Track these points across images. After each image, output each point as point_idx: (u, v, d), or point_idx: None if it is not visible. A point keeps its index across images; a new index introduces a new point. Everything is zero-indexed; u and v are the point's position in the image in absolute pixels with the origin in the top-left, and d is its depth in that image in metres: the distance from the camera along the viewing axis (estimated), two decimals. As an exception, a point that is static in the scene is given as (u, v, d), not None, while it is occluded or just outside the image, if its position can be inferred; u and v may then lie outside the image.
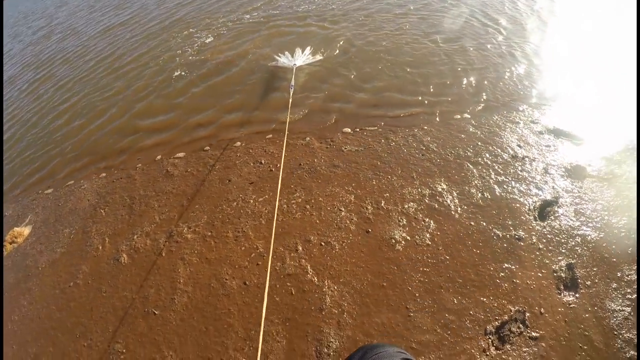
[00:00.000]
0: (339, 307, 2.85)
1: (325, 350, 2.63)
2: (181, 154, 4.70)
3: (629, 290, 2.63)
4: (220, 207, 3.83)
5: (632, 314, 2.53)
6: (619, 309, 2.57)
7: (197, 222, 3.74)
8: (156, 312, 3.12)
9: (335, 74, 5.60)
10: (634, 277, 2.70)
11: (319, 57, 6.08)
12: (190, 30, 8.28)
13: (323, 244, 3.27)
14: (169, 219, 3.87)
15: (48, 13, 16.14)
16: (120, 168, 4.81)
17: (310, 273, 3.09)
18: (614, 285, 2.69)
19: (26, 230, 4.38)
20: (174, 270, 3.36)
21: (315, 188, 3.79)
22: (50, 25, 13.63)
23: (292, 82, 5.05)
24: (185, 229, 3.70)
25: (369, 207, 3.47)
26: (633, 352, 2.36)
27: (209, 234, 3.59)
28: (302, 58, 5.98)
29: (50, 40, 11.50)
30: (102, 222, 4.10)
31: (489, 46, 5.61)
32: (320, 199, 3.66)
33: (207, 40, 7.56)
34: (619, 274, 2.73)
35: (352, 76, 5.44)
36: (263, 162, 4.22)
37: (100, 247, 3.81)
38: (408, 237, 3.18)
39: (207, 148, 4.71)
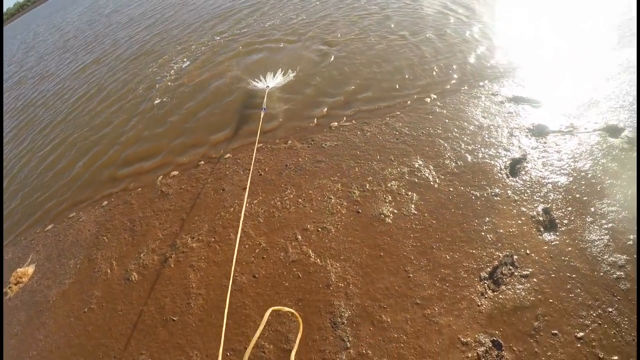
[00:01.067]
0: (344, 280, 3.07)
1: (339, 319, 2.84)
2: (174, 173, 4.89)
3: (604, 221, 2.90)
4: (219, 214, 4.03)
5: (611, 240, 2.78)
6: (598, 238, 2.83)
7: (199, 231, 3.92)
8: (175, 319, 3.26)
9: (307, 84, 5.88)
10: (607, 209, 2.96)
11: (291, 75, 6.29)
12: (165, 57, 8.46)
13: (320, 229, 3.50)
14: (172, 233, 4.03)
15: (17, 59, 16.13)
16: (115, 197, 4.95)
17: (313, 256, 3.31)
18: (589, 219, 2.95)
19: (30, 269, 4.45)
20: (185, 277, 3.53)
21: (304, 183, 4.03)
22: (22, 70, 13.62)
23: (264, 105, 5.25)
24: (189, 239, 3.87)
25: (356, 191, 3.73)
26: (619, 273, 2.60)
27: (213, 239, 3.78)
28: (274, 81, 6.22)
29: (24, 85, 11.53)
30: (106, 248, 4.22)
31: (447, 30, 6.03)
32: (310, 191, 3.90)
33: (184, 65, 7.78)
34: (592, 209, 3.01)
35: (326, 81, 5.74)
36: (252, 168, 4.42)
37: (109, 271, 3.94)
38: (395, 211, 3.44)
39: (201, 163, 4.92)
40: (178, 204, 4.37)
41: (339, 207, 3.64)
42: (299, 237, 3.50)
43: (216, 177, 4.56)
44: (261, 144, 4.83)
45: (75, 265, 4.22)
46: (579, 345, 2.38)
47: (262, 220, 3.76)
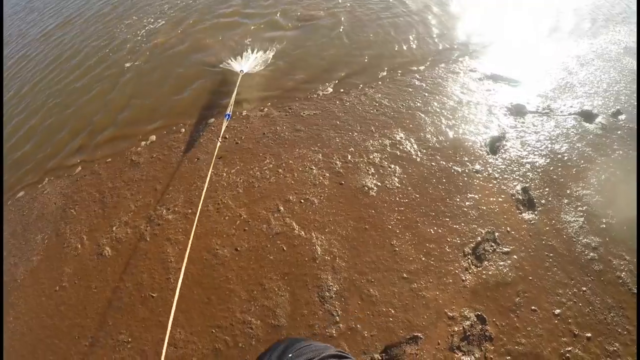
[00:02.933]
0: (330, 254, 3.03)
1: (327, 294, 2.82)
2: (143, 143, 4.61)
3: (579, 204, 3.03)
4: (195, 184, 3.84)
5: (585, 222, 2.93)
6: (574, 220, 2.97)
7: (174, 202, 3.73)
8: (154, 295, 3.13)
9: (289, 54, 5.55)
10: (582, 192, 3.10)
11: (270, 54, 5.44)
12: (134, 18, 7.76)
13: (302, 201, 3.42)
14: (145, 204, 3.82)
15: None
16: (82, 166, 4.58)
17: (297, 229, 3.24)
18: (566, 200, 3.08)
19: None
20: (163, 251, 3.36)
21: (283, 152, 3.90)
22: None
23: (229, 111, 4.24)
24: (164, 211, 3.68)
25: (338, 162, 3.65)
26: (593, 254, 2.77)
27: (190, 211, 3.61)
28: (250, 62, 5.27)
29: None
30: (75, 222, 3.94)
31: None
32: (291, 161, 3.78)
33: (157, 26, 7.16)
34: (568, 191, 3.13)
35: (309, 50, 5.44)
36: (228, 136, 4.24)
37: (79, 246, 3.68)
38: (379, 183, 3.41)
39: (173, 129, 4.66)
40: (150, 174, 4.12)
41: (321, 178, 3.57)
42: (281, 208, 3.41)
43: (189, 145, 4.32)
44: (235, 112, 4.64)
45: (42, 241, 3.91)
46: (556, 321, 2.55)
47: (241, 191, 3.62)
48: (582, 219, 2.97)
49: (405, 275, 2.83)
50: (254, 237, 3.26)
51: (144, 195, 3.92)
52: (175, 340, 2.87)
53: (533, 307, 2.59)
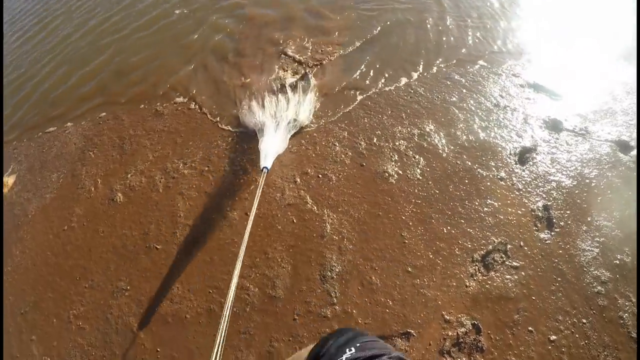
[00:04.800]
0: (339, 234, 3.00)
1: (329, 274, 2.79)
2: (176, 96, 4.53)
3: (597, 234, 2.88)
4: (216, 142, 3.81)
5: (599, 254, 2.78)
6: (589, 249, 2.81)
7: (192, 158, 3.71)
8: (158, 247, 3.15)
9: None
10: (603, 223, 2.93)
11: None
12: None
13: (320, 176, 3.37)
14: (163, 156, 3.81)
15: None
16: (107, 110, 4.59)
17: (310, 203, 3.20)
18: (584, 228, 2.92)
19: (10, 180, 4.17)
20: (174, 205, 3.37)
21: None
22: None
23: (266, 164, 3.15)
24: (181, 165, 3.67)
25: (362, 143, 3.57)
26: (600, 288, 2.62)
27: (206, 168, 3.59)
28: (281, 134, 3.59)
29: None
30: (92, 164, 3.97)
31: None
32: (315, 134, 3.73)
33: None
34: (588, 219, 2.96)
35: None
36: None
37: (93, 189, 3.72)
38: (400, 172, 3.32)
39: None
40: (172, 126, 4.10)
41: (343, 156, 3.50)
42: (298, 180, 3.37)
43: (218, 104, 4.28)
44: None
45: (57, 180, 3.96)
46: (549, 347, 2.45)
47: (261, 157, 3.58)
48: (597, 249, 2.82)
49: (409, 269, 2.77)
50: (265, 204, 3.24)
51: (163, 147, 3.91)
52: (172, 294, 2.90)
53: (530, 328, 2.51)
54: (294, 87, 4.15)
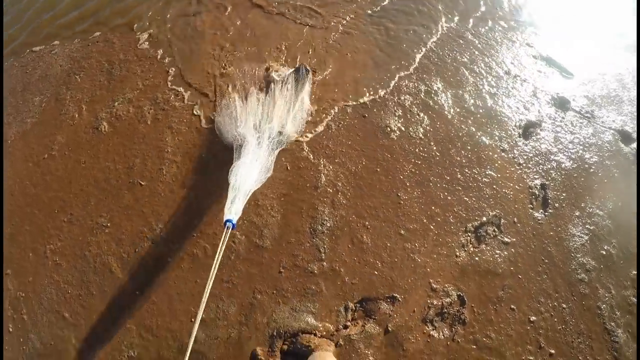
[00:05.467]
0: (333, 186, 2.87)
1: (320, 227, 2.69)
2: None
3: (588, 221, 2.83)
4: (214, 74, 3.60)
5: (588, 242, 2.75)
6: (579, 235, 2.77)
7: (186, 89, 3.51)
8: (142, 183, 2.99)
9: None
10: (595, 211, 2.88)
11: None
12: None
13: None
14: (154, 85, 3.56)
15: None
16: (98, 30, 4.29)
17: (306, 150, 3.05)
18: (577, 213, 2.86)
19: None
20: (162, 139, 3.18)
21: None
22: None
23: (230, 217, 2.30)
24: (173, 96, 3.44)
25: (367, 92, 3.40)
26: (584, 276, 2.61)
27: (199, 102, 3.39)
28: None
29: None
30: (77, 89, 3.70)
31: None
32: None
33: None
34: (582, 204, 2.90)
35: None
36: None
37: (77, 115, 3.48)
38: (402, 128, 3.17)
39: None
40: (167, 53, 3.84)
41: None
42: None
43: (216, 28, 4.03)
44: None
45: (40, 103, 3.70)
46: (528, 327, 2.46)
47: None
48: (586, 237, 2.79)
49: (402, 232, 2.69)
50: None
51: (155, 75, 3.66)
52: (155, 235, 2.78)
53: (512, 306, 2.50)
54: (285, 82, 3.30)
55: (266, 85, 3.36)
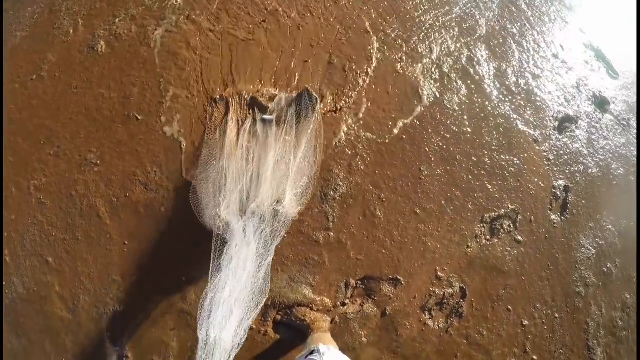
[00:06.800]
0: (353, 148, 2.56)
1: (332, 193, 2.45)
2: None
3: (600, 235, 2.73)
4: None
5: (594, 256, 2.69)
6: (587, 248, 2.68)
7: (201, 9, 2.99)
8: (139, 117, 2.62)
9: None
10: (608, 226, 2.78)
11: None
12: None
13: (347, 70, 2.84)
14: (161, 1, 3.03)
15: None
16: None
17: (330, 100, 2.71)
18: (592, 224, 2.73)
19: None
20: (165, 67, 2.73)
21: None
22: None
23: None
24: (182, 17, 2.94)
25: (403, 44, 2.98)
26: (582, 290, 2.59)
27: (213, 27, 2.92)
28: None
29: None
30: (74, 0, 3.14)
31: None
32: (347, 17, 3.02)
33: None
34: (598, 217, 2.76)
35: None
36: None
37: (72, 31, 2.96)
38: (437, 95, 2.79)
39: None
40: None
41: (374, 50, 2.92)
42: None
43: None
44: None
45: (32, 15, 3.13)
46: (519, 331, 2.46)
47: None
48: (594, 250, 2.70)
49: (418, 211, 2.47)
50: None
51: (166, -12, 3.07)
52: (148, 180, 2.50)
53: (509, 307, 2.46)
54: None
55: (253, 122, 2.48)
